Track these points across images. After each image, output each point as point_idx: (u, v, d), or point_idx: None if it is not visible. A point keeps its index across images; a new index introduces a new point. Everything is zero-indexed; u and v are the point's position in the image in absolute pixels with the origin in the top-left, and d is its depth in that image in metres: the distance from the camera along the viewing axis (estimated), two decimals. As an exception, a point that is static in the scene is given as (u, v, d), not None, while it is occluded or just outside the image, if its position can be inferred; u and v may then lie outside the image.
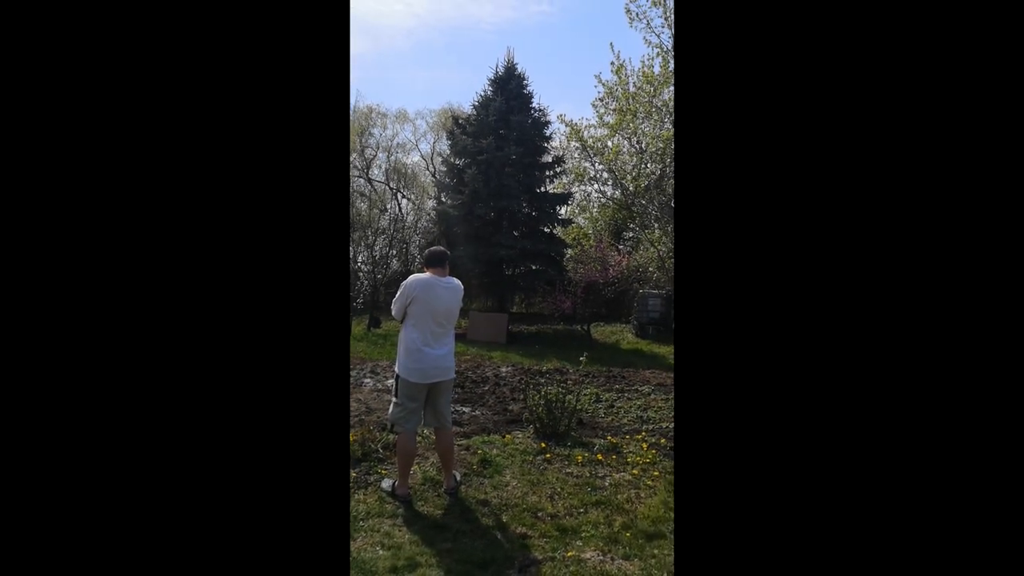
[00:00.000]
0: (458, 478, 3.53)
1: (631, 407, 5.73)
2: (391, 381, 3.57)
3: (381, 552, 2.67)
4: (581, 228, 14.94)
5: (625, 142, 13.13)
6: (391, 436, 4.33)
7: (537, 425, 4.55)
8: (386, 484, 3.40)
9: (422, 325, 3.26)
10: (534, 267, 12.20)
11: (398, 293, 3.32)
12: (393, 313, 3.37)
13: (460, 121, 13.05)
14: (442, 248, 3.50)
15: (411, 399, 3.28)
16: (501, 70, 12.50)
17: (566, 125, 13.12)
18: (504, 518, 3.12)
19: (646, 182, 12.41)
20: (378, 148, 21.20)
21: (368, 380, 6.64)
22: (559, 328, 11.91)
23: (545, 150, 12.67)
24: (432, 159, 19.84)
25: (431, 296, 3.27)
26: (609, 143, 13.08)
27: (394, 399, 3.35)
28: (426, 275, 3.34)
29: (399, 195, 19.76)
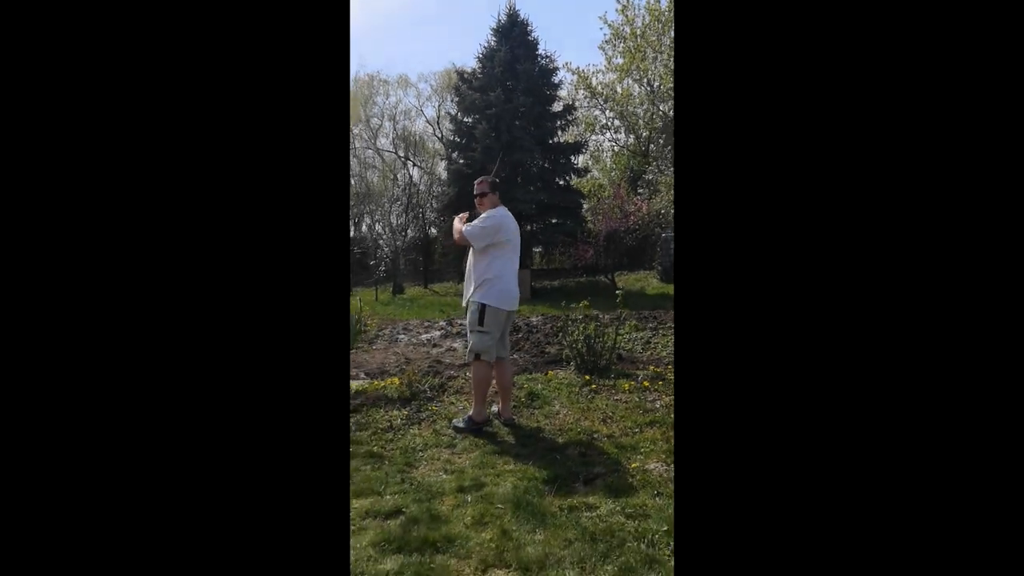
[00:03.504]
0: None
1: (667, 342, 5.68)
2: (464, 320, 3.38)
3: (445, 476, 2.68)
4: (596, 179, 14.71)
5: (636, 85, 12.78)
6: (435, 379, 4.34)
7: (578, 361, 4.52)
8: (458, 422, 3.38)
9: (508, 255, 3.39)
10: (553, 220, 12.07)
11: (482, 223, 3.35)
12: (478, 241, 3.31)
13: (465, 76, 12.76)
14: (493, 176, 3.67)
15: (498, 327, 3.36)
16: (503, 19, 12.16)
17: (573, 73, 12.80)
18: (560, 440, 3.12)
19: (660, 123, 12.10)
20: (383, 116, 20.90)
21: (402, 336, 6.68)
22: (582, 280, 11.85)
23: (554, 99, 12.37)
24: (439, 123, 19.56)
25: (514, 228, 3.43)
26: (618, 87, 12.76)
27: (479, 329, 3.30)
28: (503, 209, 3.48)
29: (409, 162, 19.58)
